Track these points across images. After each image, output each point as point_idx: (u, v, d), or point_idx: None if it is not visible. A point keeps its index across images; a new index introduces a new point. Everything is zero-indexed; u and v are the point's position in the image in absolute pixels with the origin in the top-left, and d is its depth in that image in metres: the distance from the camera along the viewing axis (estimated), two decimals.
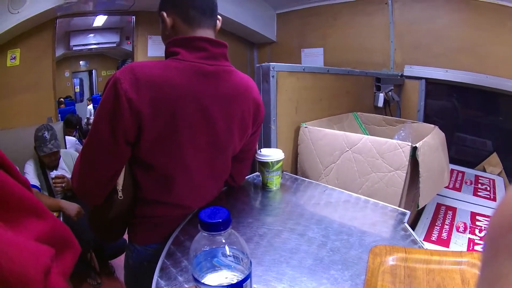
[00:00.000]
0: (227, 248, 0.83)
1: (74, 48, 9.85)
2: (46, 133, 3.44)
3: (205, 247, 0.83)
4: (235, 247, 0.84)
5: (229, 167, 1.72)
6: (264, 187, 1.88)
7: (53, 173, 3.36)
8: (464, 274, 1.11)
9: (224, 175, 1.74)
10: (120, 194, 1.48)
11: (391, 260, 1.19)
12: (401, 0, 4.05)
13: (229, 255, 0.83)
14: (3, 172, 0.68)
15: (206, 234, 0.82)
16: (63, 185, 3.31)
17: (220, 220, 0.82)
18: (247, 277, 0.84)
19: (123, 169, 1.46)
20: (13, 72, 4.47)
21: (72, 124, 5.79)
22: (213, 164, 1.59)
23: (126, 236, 1.68)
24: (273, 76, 2.15)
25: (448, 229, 2.28)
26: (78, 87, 12.68)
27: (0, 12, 3.82)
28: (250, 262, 0.86)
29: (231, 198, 1.81)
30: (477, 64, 3.49)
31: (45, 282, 0.66)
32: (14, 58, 4.45)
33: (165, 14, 1.48)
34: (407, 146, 1.88)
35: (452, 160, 2.47)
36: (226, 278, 0.83)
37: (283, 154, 1.87)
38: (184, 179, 1.50)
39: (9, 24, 3.92)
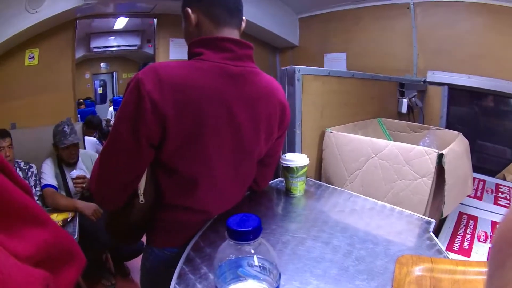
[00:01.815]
0: (255, 258, 0.80)
1: (95, 50, 9.96)
2: (66, 127, 3.51)
3: (231, 256, 0.80)
4: (264, 257, 0.81)
5: (254, 171, 1.68)
6: (287, 192, 1.85)
7: (74, 173, 3.34)
8: None
9: (249, 180, 1.70)
10: (141, 198, 1.46)
11: (417, 271, 1.16)
12: (423, 4, 4.06)
13: (256, 266, 0.81)
14: (3, 176, 0.65)
15: (233, 243, 0.80)
16: (84, 185, 3.28)
17: (250, 229, 0.79)
18: None
19: (145, 172, 1.45)
20: (31, 71, 4.52)
21: (92, 125, 5.84)
22: (238, 168, 1.55)
23: (143, 238, 1.67)
24: (298, 80, 2.14)
25: (469, 239, 2.26)
26: (101, 88, 12.81)
27: (18, 11, 3.84)
28: (280, 274, 0.83)
29: (253, 203, 1.78)
30: (499, 70, 3.48)
31: None
32: (33, 57, 4.50)
33: (189, 11, 1.45)
34: (434, 153, 1.86)
35: (473, 168, 2.44)
36: None
37: (308, 159, 1.85)
38: (208, 183, 1.46)
39: (26, 24, 3.94)
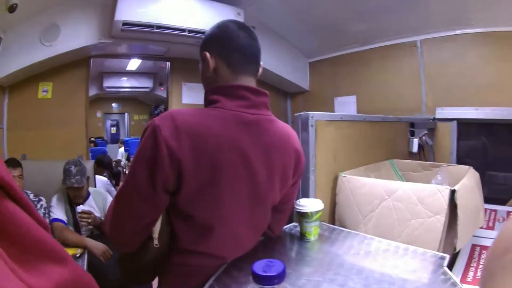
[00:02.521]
0: None
1: (107, 89, 10.00)
2: (73, 167, 3.50)
3: None
4: None
5: (268, 218, 1.66)
6: (302, 237, 1.85)
7: (80, 208, 3.41)
8: None
9: (263, 226, 1.69)
10: (156, 242, 1.47)
11: None
12: (429, 41, 4.14)
13: None
14: (20, 210, 0.65)
15: (258, 287, 0.83)
16: (89, 220, 3.33)
17: (275, 274, 0.82)
18: None
19: (160, 216, 1.45)
20: (45, 104, 4.59)
21: (103, 164, 5.92)
22: (253, 215, 1.54)
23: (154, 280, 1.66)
24: (312, 126, 2.17)
25: (483, 269, 2.23)
26: (114, 128, 12.87)
27: (31, 42, 3.91)
28: None
29: (268, 249, 1.77)
30: (507, 98, 3.48)
31: None
32: (46, 91, 4.58)
33: (208, 55, 1.47)
34: (446, 190, 1.87)
35: (485, 199, 2.44)
36: None
37: (322, 204, 1.85)
38: (223, 230, 1.45)
39: (40, 56, 4.00)
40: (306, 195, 2.20)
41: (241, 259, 1.56)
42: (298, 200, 1.86)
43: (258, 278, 0.82)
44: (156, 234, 1.47)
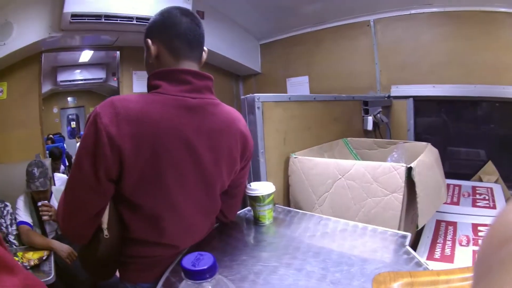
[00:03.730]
0: None
1: (61, 84, 9.87)
2: (36, 169, 3.42)
3: None
4: None
5: (219, 203, 1.64)
6: (256, 222, 1.82)
7: (40, 202, 3.32)
8: None
9: (214, 212, 1.67)
10: (105, 232, 1.43)
11: (396, 287, 1.13)
12: (383, 21, 4.12)
13: None
14: None
15: (191, 282, 0.76)
16: (50, 213, 3.25)
17: (205, 267, 0.76)
18: None
19: (107, 206, 1.42)
20: (0, 106, 4.45)
21: (55, 156, 5.81)
22: (202, 201, 1.52)
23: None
24: (258, 108, 2.13)
25: (450, 245, 2.25)
26: (74, 122, 12.76)
27: None
28: None
29: (223, 235, 1.74)
30: (465, 75, 3.52)
31: None
32: (2, 91, 4.43)
33: (150, 42, 1.45)
34: (401, 168, 1.85)
35: (447, 175, 2.45)
36: None
37: (274, 187, 1.82)
38: (173, 218, 1.44)
39: None
40: (257, 178, 2.17)
41: (197, 247, 1.54)
42: (249, 184, 1.83)
43: (187, 273, 0.75)
44: (105, 225, 1.44)
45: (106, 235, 1.43)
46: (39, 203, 3.29)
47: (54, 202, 3.62)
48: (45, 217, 3.28)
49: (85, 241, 1.45)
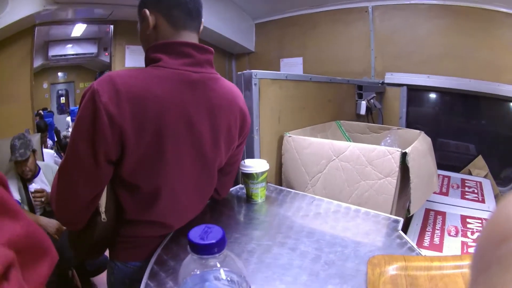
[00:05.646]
0: (222, 271, 0.73)
1: (52, 58, 9.79)
2: (17, 141, 3.39)
3: (196, 271, 0.73)
4: (231, 270, 0.74)
5: (215, 181, 1.62)
6: (249, 199, 1.81)
7: (32, 187, 3.32)
8: (466, 277, 1.07)
9: (210, 190, 1.64)
10: (103, 216, 1.38)
11: (391, 270, 1.14)
12: (381, 8, 4.11)
13: (223, 279, 0.74)
14: None
15: (197, 257, 0.73)
16: (43, 199, 3.25)
17: (214, 241, 0.71)
18: None
19: (105, 189, 1.37)
20: None
21: (41, 128, 5.80)
22: (199, 179, 1.50)
23: (107, 252, 1.59)
24: (255, 84, 2.10)
25: (439, 234, 2.27)
26: (63, 98, 12.67)
27: None
28: (250, 286, 0.76)
29: (215, 212, 1.73)
30: (460, 69, 3.54)
31: None
32: None
33: (147, 12, 1.36)
34: (396, 152, 1.84)
35: (437, 166, 2.44)
36: None
37: (268, 165, 1.81)
38: (168, 197, 1.40)
39: None
40: (251, 155, 2.15)
41: (189, 225, 1.51)
42: (243, 161, 1.81)
43: (195, 248, 0.71)
44: (102, 208, 1.39)
45: (104, 219, 1.39)
46: (31, 189, 3.27)
47: (43, 177, 3.61)
48: (37, 203, 3.28)
49: (81, 227, 1.40)
